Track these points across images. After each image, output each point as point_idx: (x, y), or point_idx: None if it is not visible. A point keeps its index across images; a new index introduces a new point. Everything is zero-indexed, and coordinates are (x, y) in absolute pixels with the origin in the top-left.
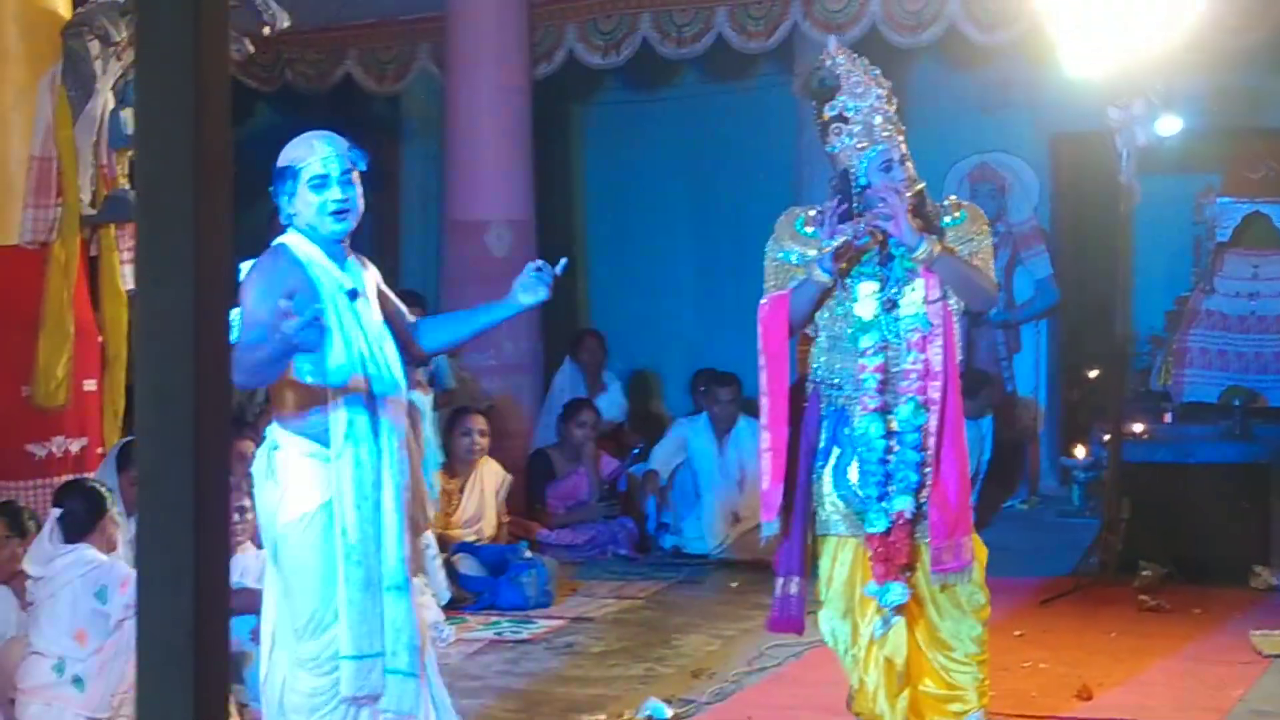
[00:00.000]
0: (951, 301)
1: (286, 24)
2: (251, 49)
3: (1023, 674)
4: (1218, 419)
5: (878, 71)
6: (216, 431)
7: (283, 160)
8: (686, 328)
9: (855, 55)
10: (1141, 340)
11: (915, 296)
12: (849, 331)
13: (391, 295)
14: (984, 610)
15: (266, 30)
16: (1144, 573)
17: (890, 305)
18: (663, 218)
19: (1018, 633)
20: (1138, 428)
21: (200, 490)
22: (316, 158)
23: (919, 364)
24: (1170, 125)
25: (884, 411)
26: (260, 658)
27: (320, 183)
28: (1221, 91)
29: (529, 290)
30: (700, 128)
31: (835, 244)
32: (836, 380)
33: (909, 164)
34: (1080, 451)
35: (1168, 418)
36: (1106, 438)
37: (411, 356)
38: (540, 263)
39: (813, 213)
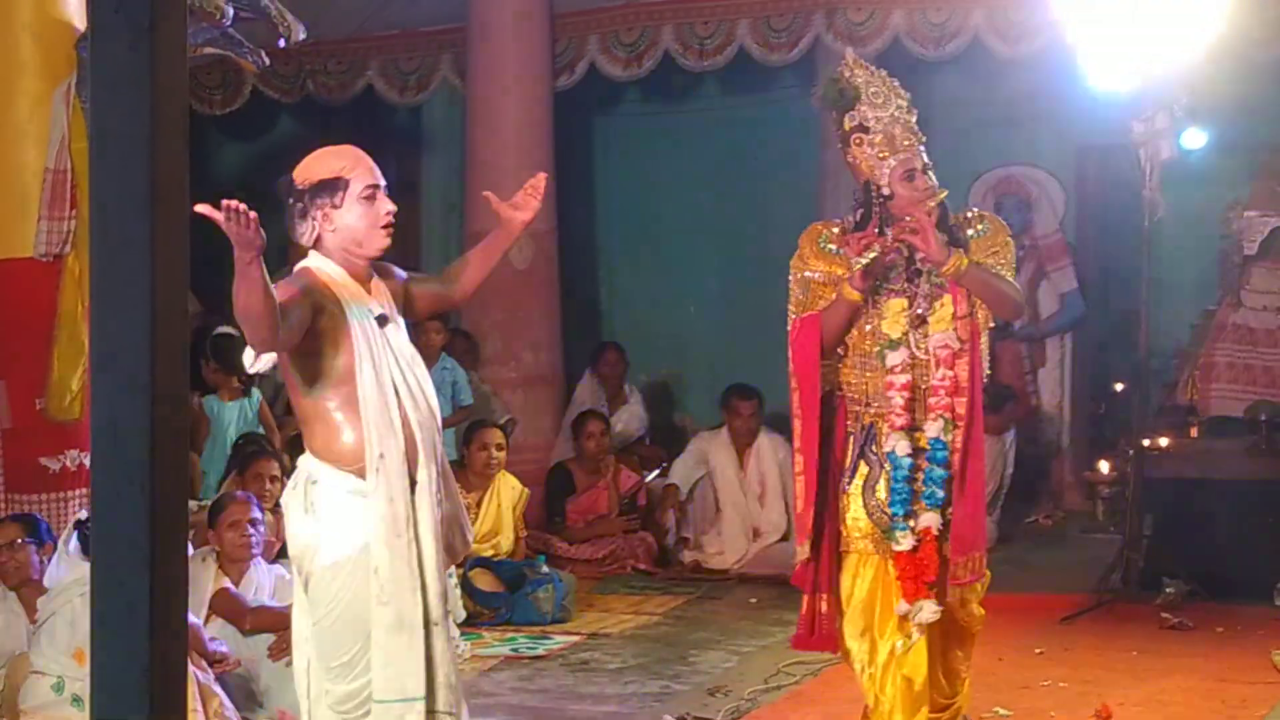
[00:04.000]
0: (980, 317)
1: (303, 36)
2: (268, 61)
3: (1042, 692)
4: (1244, 434)
5: (897, 82)
6: (173, 466)
7: (322, 172)
8: (709, 340)
9: (873, 67)
10: (1167, 354)
11: (944, 313)
12: (877, 349)
13: (419, 275)
14: (981, 621)
15: (282, 42)
16: (1167, 590)
17: (919, 322)
18: (685, 230)
19: (1038, 650)
20: (1163, 442)
21: (155, 525)
22: (365, 168)
23: (947, 380)
24: (1195, 138)
25: (911, 429)
26: (299, 694)
27: (372, 193)
28: (1249, 104)
29: (519, 206)
30: (722, 140)
31: (864, 261)
32: (865, 397)
33: (931, 174)
34: (1104, 466)
35: (1194, 432)
36: (1131, 453)
37: (455, 305)
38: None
39: (835, 229)
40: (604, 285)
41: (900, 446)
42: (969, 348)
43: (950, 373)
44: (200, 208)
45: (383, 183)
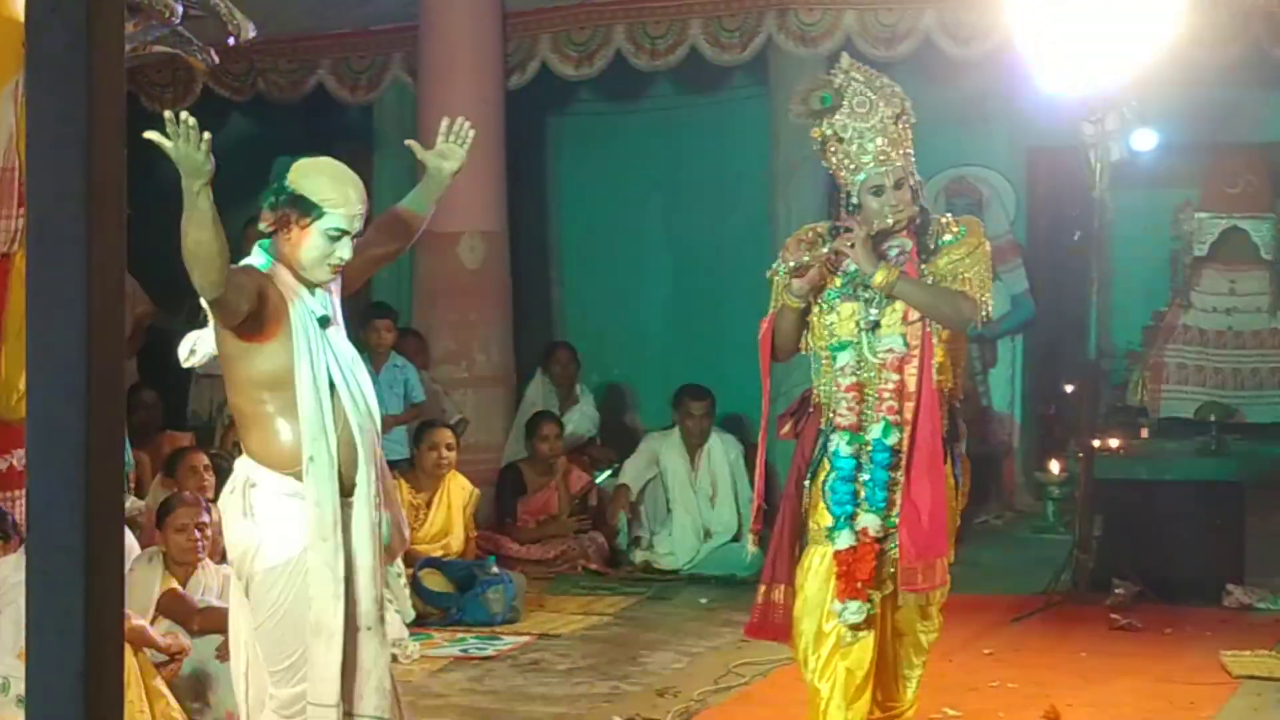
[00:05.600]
0: (930, 326)
1: (252, 34)
2: (217, 59)
3: (990, 693)
4: (1194, 435)
5: (896, 88)
6: (109, 470)
7: (307, 189)
8: (660, 340)
9: (872, 72)
10: (1118, 355)
11: (894, 318)
12: (830, 350)
13: (369, 231)
14: (938, 631)
15: (232, 41)
16: (1116, 591)
17: (873, 326)
18: (637, 229)
19: (987, 651)
20: (1113, 443)
21: (91, 530)
22: (346, 211)
23: (891, 384)
24: (1145, 140)
25: (856, 430)
26: (238, 698)
27: (337, 235)
28: (1199, 106)
29: (445, 157)
30: (675, 139)
31: (790, 265)
32: (825, 398)
33: (909, 186)
34: (1055, 467)
35: (1144, 433)
36: (1081, 454)
37: (396, 258)
38: (445, 124)
39: (811, 234)
40: (556, 285)
41: (844, 447)
42: (919, 353)
43: (897, 377)
44: (149, 134)
45: (355, 230)
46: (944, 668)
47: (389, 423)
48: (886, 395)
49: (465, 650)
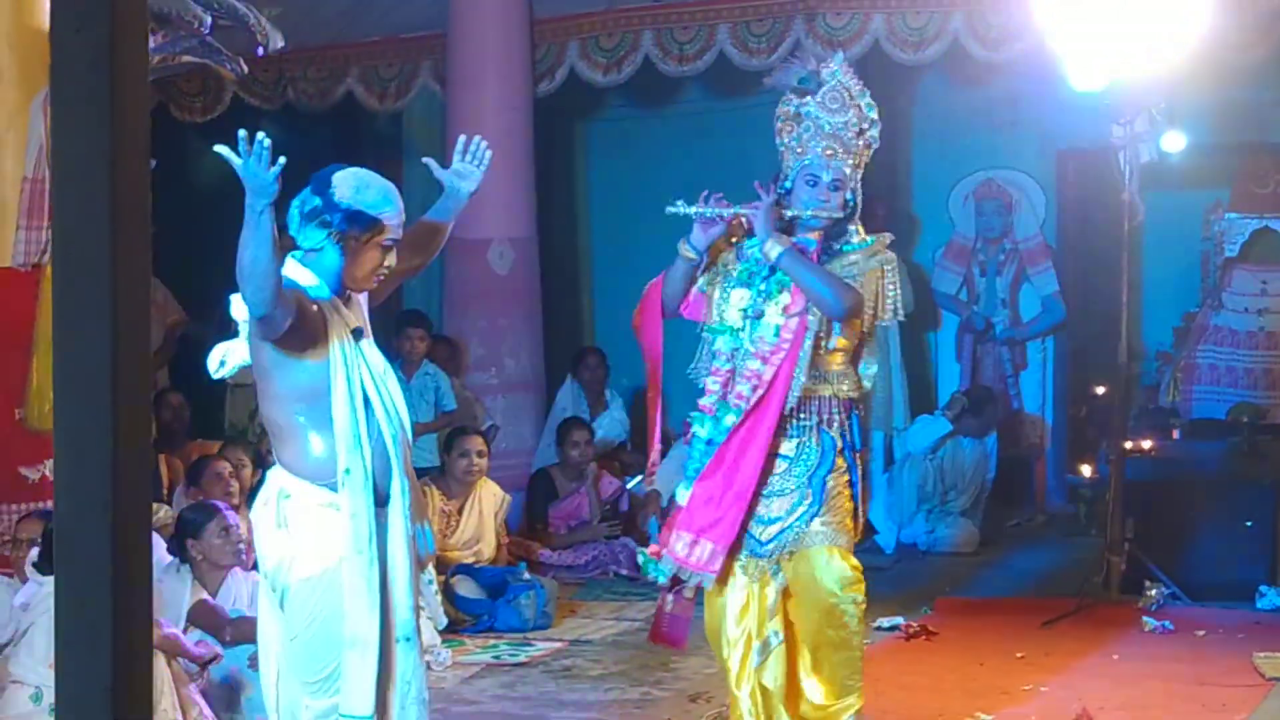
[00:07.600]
0: (810, 319)
1: (281, 44)
2: (246, 69)
3: (1023, 697)
4: (1226, 436)
5: (874, 111)
6: (136, 484)
7: (364, 204)
8: (691, 345)
9: (861, 84)
10: (1150, 356)
11: (777, 310)
12: (710, 331)
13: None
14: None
15: (260, 51)
16: (1148, 593)
17: (758, 315)
18: (666, 235)
19: (1019, 655)
20: (1145, 445)
21: (119, 545)
22: (398, 222)
23: (750, 371)
24: (1175, 142)
25: (712, 414)
26: (269, 708)
27: (391, 246)
28: (1229, 107)
29: (463, 177)
30: (704, 144)
31: (692, 210)
32: (696, 378)
33: (845, 194)
34: (1086, 469)
35: (1176, 434)
36: (1113, 455)
37: (415, 274)
38: (461, 143)
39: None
40: (585, 291)
41: (699, 430)
42: (788, 346)
43: (758, 365)
44: (219, 148)
45: (399, 236)
46: (976, 671)
47: (420, 430)
48: (743, 382)
49: (497, 657)
